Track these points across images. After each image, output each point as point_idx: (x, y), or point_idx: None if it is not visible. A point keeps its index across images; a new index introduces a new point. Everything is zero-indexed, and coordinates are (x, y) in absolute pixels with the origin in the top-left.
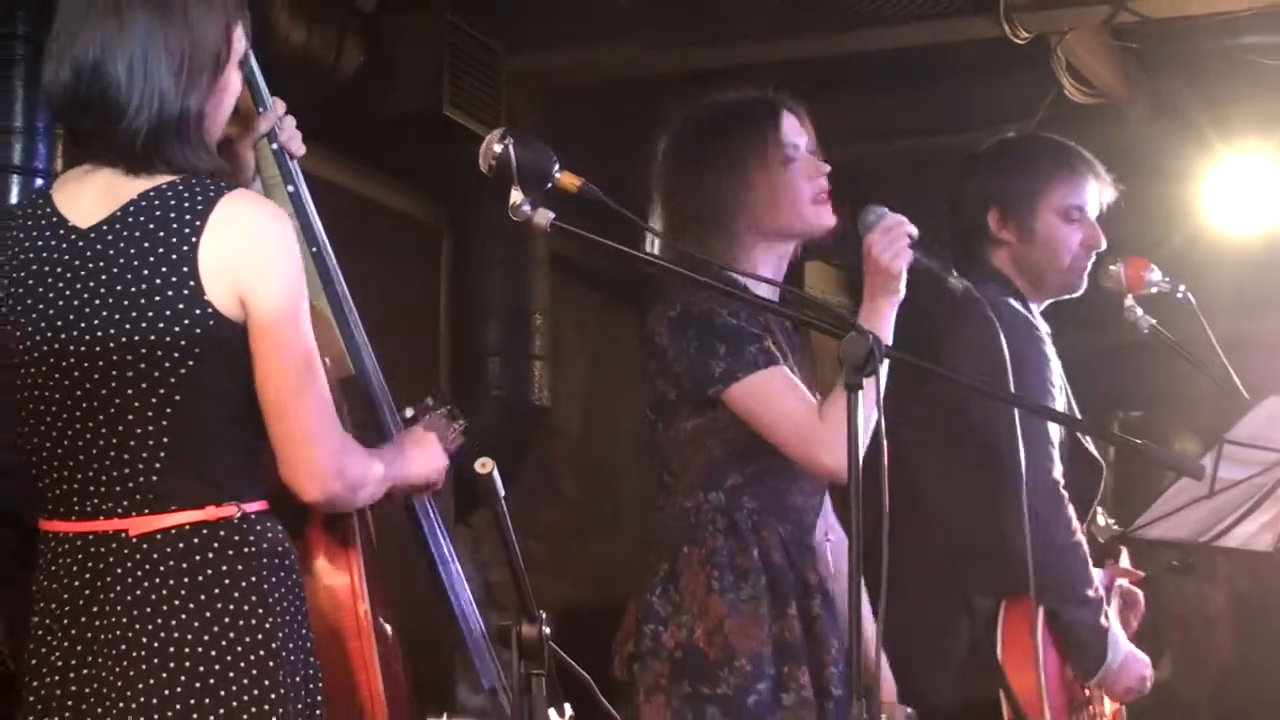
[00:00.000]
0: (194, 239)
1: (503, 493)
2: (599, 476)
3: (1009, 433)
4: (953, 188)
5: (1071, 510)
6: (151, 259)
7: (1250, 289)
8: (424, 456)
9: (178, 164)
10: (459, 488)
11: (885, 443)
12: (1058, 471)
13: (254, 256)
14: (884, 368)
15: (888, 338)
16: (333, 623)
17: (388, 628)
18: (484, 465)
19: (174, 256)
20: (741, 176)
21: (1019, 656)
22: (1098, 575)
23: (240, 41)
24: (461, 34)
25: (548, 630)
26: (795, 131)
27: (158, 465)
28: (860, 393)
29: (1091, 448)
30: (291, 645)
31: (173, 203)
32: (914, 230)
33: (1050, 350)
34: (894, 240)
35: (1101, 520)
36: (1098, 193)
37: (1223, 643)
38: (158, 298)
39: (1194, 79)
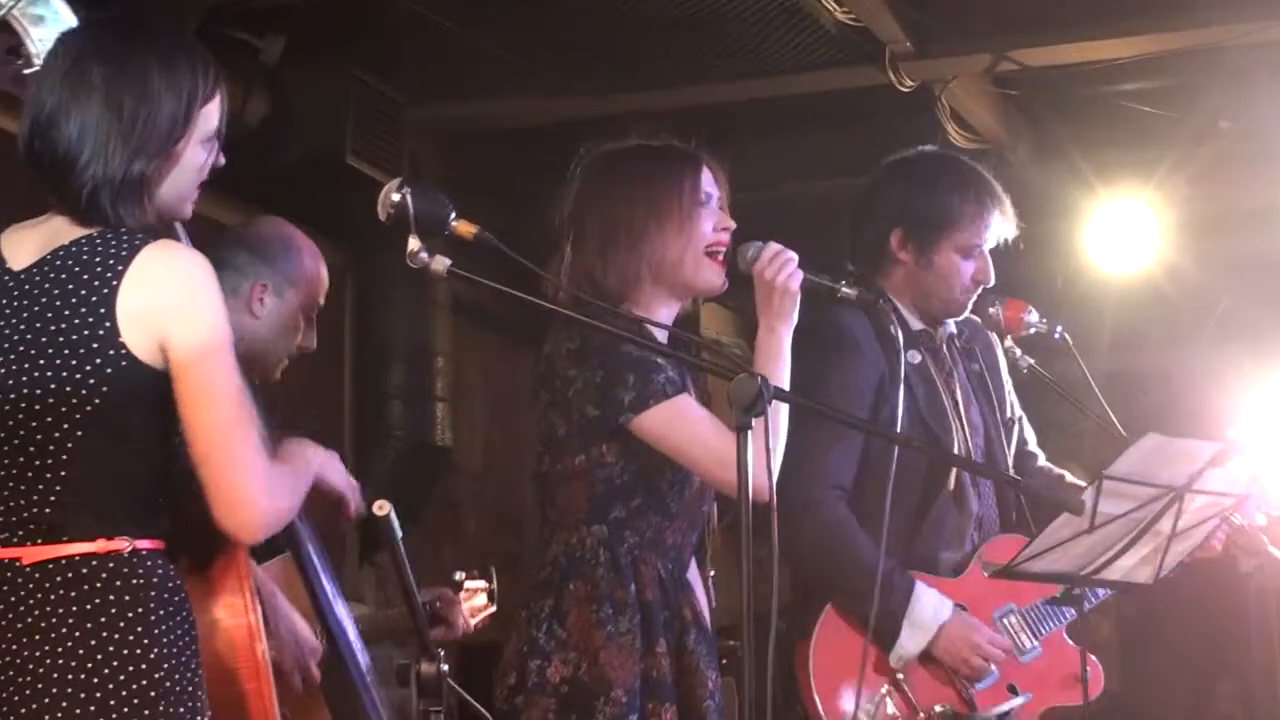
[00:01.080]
0: (114, 283)
1: (400, 534)
2: (501, 515)
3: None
4: (862, 195)
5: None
6: (73, 300)
7: (1129, 327)
8: (326, 457)
9: (113, 221)
10: (360, 529)
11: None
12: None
13: (172, 301)
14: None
15: (786, 366)
16: (230, 663)
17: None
18: (381, 507)
19: (93, 299)
20: (654, 212)
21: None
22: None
23: (208, 120)
24: (363, 85)
25: (446, 668)
26: (710, 183)
27: (53, 498)
28: (750, 432)
29: (966, 482)
30: (177, 677)
31: (99, 249)
32: (796, 256)
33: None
34: (783, 263)
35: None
36: (999, 229)
37: (1109, 669)
38: (74, 337)
39: (1073, 124)
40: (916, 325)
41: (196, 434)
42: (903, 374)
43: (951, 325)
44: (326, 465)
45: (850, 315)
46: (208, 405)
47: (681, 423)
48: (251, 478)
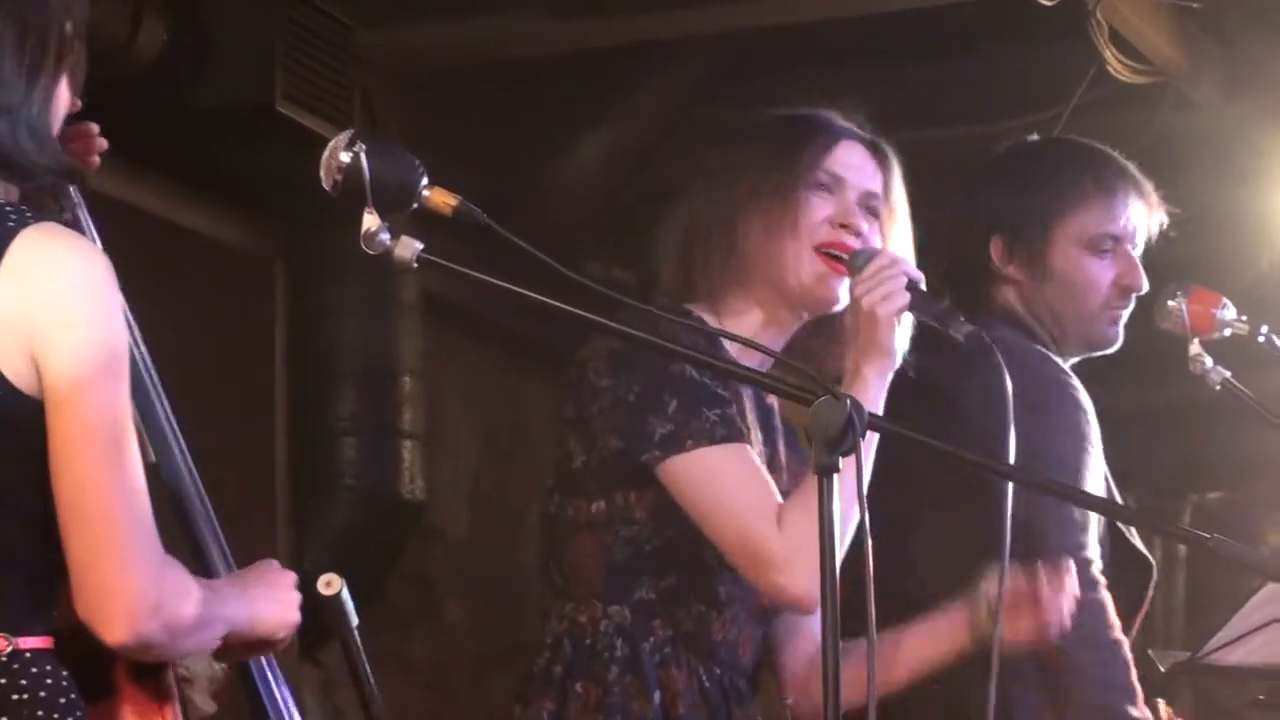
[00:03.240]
0: None
1: (355, 621)
2: (495, 593)
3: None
4: (954, 210)
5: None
6: None
7: None
8: (276, 602)
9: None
10: (301, 613)
11: (869, 545)
12: (1096, 562)
13: (52, 307)
14: (869, 445)
15: (878, 411)
16: None
17: None
18: (328, 585)
19: None
20: (753, 187)
21: None
22: None
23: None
24: (300, 4)
25: None
26: (850, 164)
27: None
28: (836, 477)
29: (1137, 541)
30: None
31: None
32: (916, 273)
33: (1090, 408)
34: (885, 281)
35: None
36: (1143, 217)
37: None
38: None
39: None
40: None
41: (62, 485)
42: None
43: None
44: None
45: (1047, 356)
46: (81, 448)
47: (720, 481)
48: (127, 560)
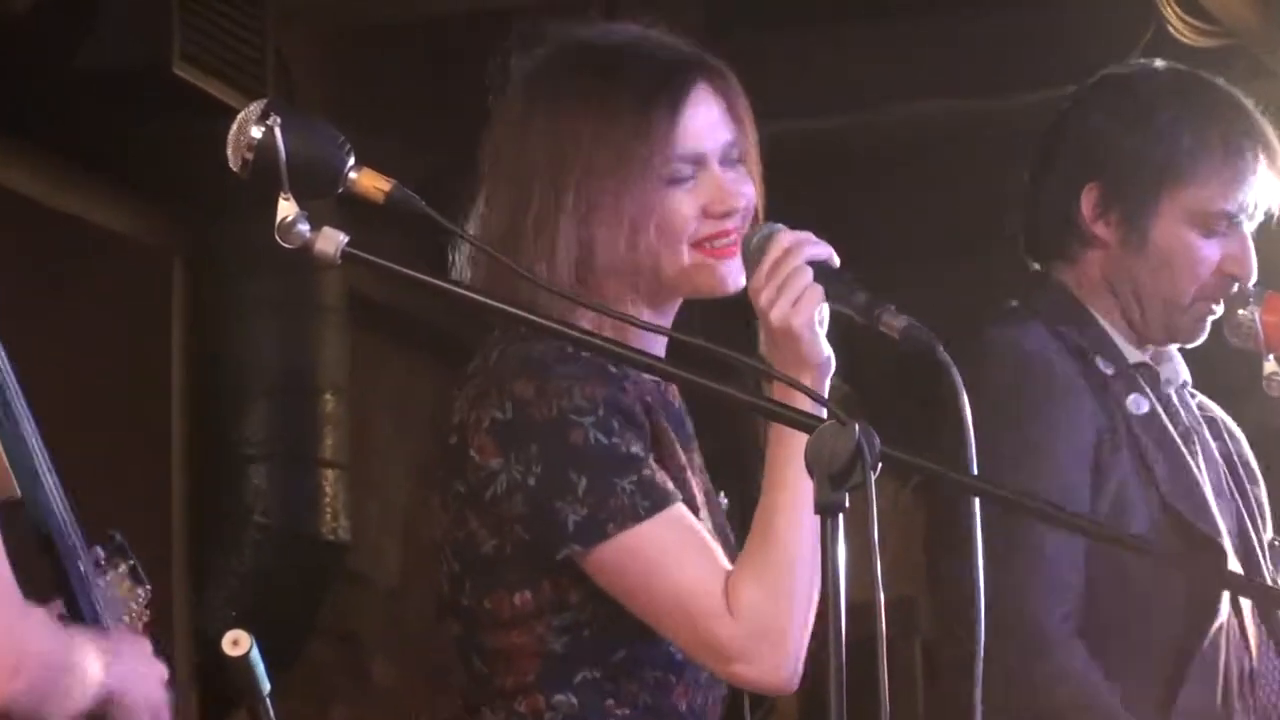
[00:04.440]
0: None
1: (267, 686)
2: (431, 650)
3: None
4: (1042, 139)
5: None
6: None
7: None
8: (150, 671)
9: None
10: (202, 676)
11: (882, 599)
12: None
13: None
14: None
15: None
16: None
17: None
18: (236, 643)
19: None
20: (600, 183)
21: None
22: None
23: None
24: None
25: None
26: (704, 131)
27: None
28: (838, 522)
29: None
30: None
31: None
32: (822, 250)
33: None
34: (789, 283)
35: None
36: (1269, 189)
37: None
38: None
39: None
40: (1133, 355)
41: None
42: (1125, 430)
43: (1181, 365)
44: (130, 679)
45: (1036, 333)
46: None
47: (655, 565)
48: None
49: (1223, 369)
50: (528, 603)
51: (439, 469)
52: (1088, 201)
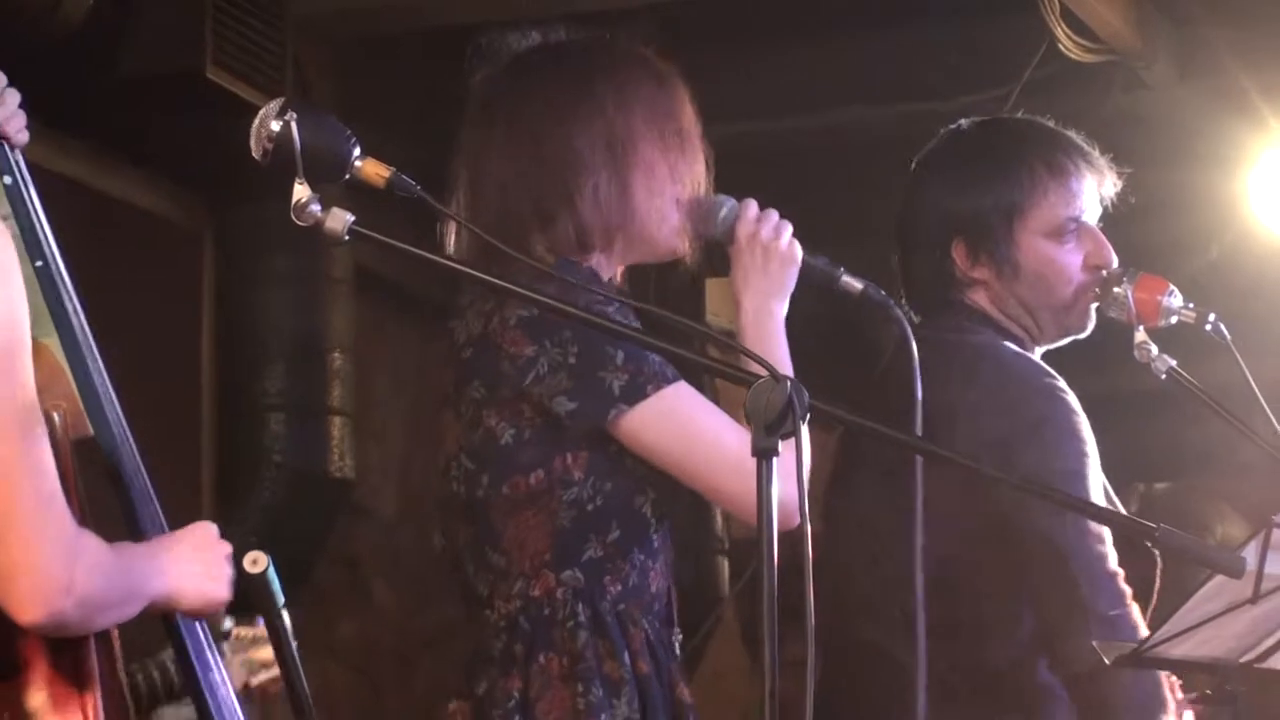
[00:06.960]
0: None
1: (281, 600)
2: (424, 575)
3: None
4: (900, 215)
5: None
6: None
7: None
8: (203, 567)
9: None
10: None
11: (809, 531)
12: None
13: None
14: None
15: (785, 347)
16: None
17: None
18: (255, 562)
19: None
20: (655, 133)
21: None
22: None
23: None
24: None
25: None
26: (692, 112)
27: None
28: (775, 459)
29: None
30: None
31: None
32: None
33: (1079, 408)
34: (780, 228)
35: None
36: (1095, 188)
37: None
38: None
39: (1235, 26)
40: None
41: None
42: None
43: None
44: (186, 579)
45: (1024, 354)
46: None
47: (690, 416)
48: (36, 539)
49: (1099, 340)
50: (541, 480)
51: (449, 387)
52: (959, 255)
